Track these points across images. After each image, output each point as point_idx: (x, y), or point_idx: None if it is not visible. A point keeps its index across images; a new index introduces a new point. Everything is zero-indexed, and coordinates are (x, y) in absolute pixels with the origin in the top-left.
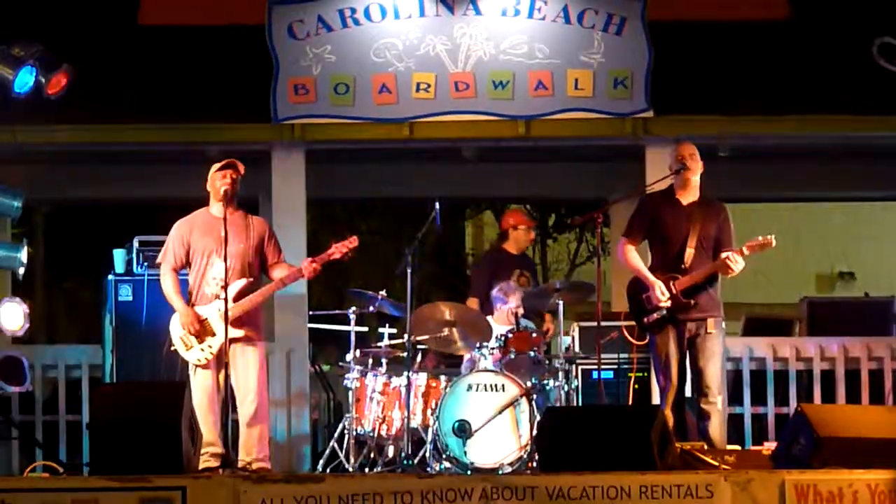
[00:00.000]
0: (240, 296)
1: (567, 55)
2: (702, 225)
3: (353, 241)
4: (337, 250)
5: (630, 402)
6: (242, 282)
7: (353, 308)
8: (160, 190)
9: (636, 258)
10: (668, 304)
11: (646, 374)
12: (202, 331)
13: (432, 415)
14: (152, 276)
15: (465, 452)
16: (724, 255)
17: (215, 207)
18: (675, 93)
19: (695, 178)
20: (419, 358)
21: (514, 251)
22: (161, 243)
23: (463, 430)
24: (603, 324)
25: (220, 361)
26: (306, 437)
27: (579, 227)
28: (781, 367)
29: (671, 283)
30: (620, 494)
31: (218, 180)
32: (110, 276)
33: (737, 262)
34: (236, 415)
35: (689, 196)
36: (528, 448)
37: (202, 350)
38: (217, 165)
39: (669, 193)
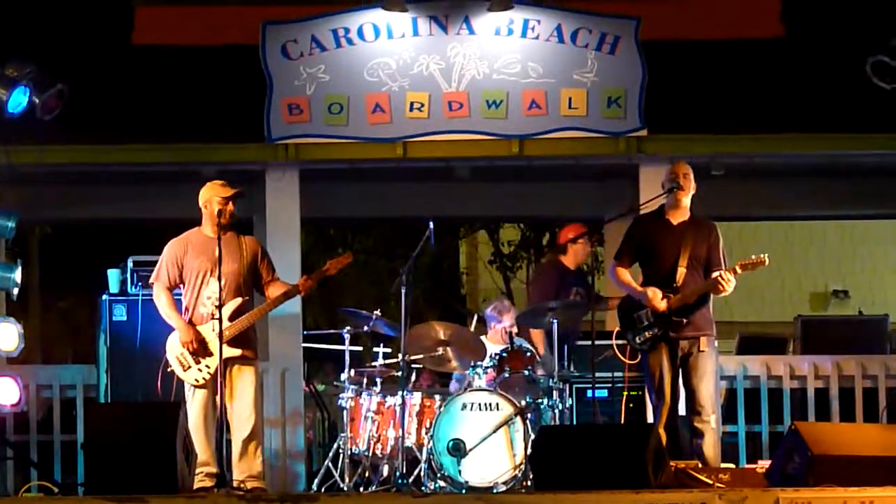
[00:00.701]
0: (235, 315)
1: (561, 74)
2: (693, 244)
3: (347, 258)
4: (332, 266)
5: (624, 421)
6: (237, 301)
7: (348, 327)
8: (154, 210)
9: (627, 276)
10: (659, 332)
11: (640, 393)
12: (200, 350)
13: (427, 434)
14: (146, 296)
15: (460, 471)
16: (715, 274)
17: (208, 227)
18: (669, 111)
19: (686, 199)
20: (414, 377)
21: (571, 266)
22: (155, 263)
23: (457, 449)
24: (597, 343)
25: (216, 381)
26: (301, 456)
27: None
28: (776, 385)
29: (665, 302)
30: None
31: (219, 205)
32: (105, 296)
33: (729, 282)
34: (230, 434)
35: (680, 216)
36: (523, 467)
37: (199, 370)
38: (218, 187)
39: (659, 214)
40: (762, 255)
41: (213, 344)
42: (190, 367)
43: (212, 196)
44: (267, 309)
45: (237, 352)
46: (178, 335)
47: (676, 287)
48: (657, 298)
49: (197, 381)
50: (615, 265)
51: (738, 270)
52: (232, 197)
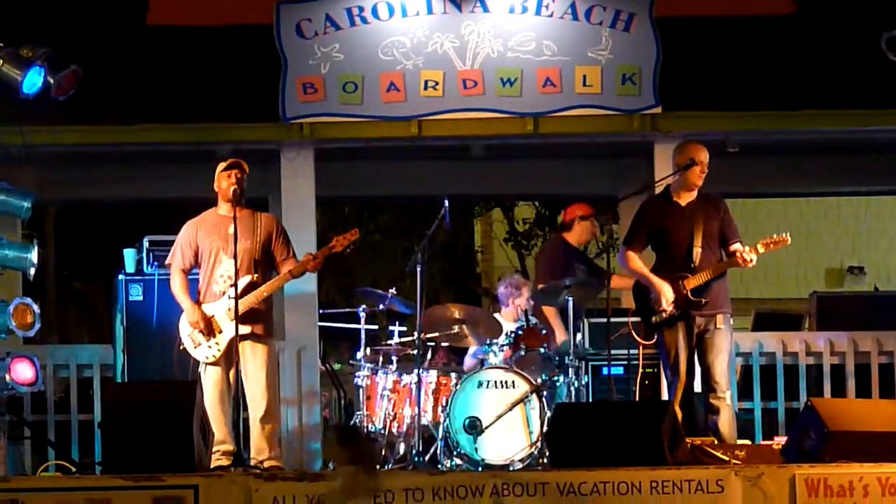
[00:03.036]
0: (245, 291)
1: (575, 52)
2: (704, 222)
3: (353, 234)
4: (338, 243)
5: (639, 398)
6: (248, 278)
7: (364, 306)
8: (170, 190)
9: (639, 264)
10: (675, 311)
11: (655, 370)
12: (209, 328)
13: (443, 412)
14: (163, 276)
15: (476, 449)
16: (735, 247)
17: (222, 207)
18: (684, 89)
19: (699, 182)
20: (429, 355)
21: (574, 244)
22: (171, 243)
23: (473, 427)
24: (612, 320)
25: (230, 359)
26: (317, 434)
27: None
28: (791, 361)
29: (680, 282)
30: (631, 490)
31: (224, 180)
32: (121, 276)
33: (751, 261)
34: (247, 413)
35: (688, 197)
36: (539, 444)
37: (210, 347)
38: (222, 165)
39: (667, 196)
40: (784, 234)
41: (223, 321)
42: (200, 344)
43: (217, 173)
44: (274, 286)
45: (247, 329)
46: (185, 316)
47: (695, 267)
48: (670, 296)
49: (208, 358)
50: (626, 250)
51: (761, 249)
52: (228, 168)
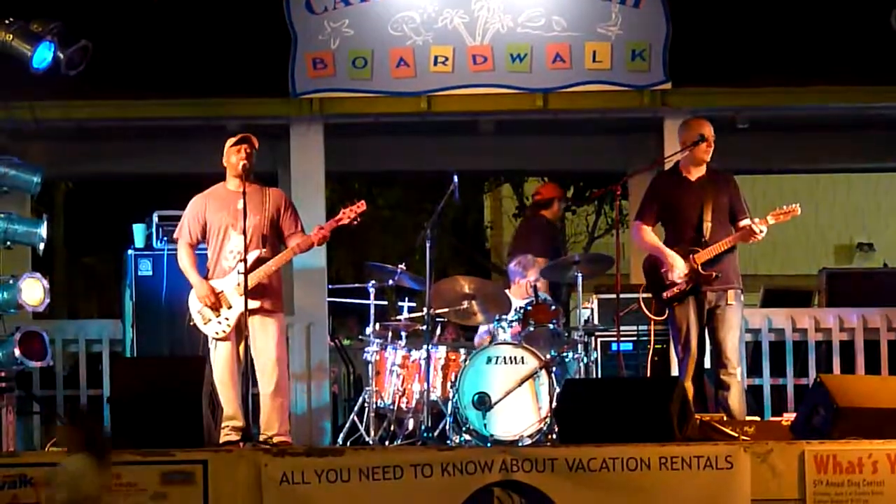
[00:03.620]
0: (254, 266)
1: (585, 27)
2: (714, 197)
3: (360, 206)
4: (345, 215)
5: (649, 374)
6: (256, 253)
7: (373, 282)
8: (179, 165)
9: (653, 237)
10: (686, 286)
11: (665, 346)
12: (218, 303)
13: (452, 387)
14: (172, 251)
15: (485, 425)
16: (745, 222)
17: (231, 182)
18: (694, 64)
19: (707, 157)
20: (439, 331)
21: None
22: (180, 218)
23: (482, 403)
24: (622, 296)
25: (240, 334)
26: (326, 410)
27: (598, 199)
28: (800, 338)
29: (691, 257)
30: (640, 466)
31: (233, 155)
32: (130, 251)
33: (761, 232)
34: (257, 389)
35: (697, 171)
36: (548, 420)
37: (219, 322)
38: (232, 140)
39: (676, 171)
40: (793, 206)
41: (232, 296)
42: (210, 320)
43: (226, 148)
44: (282, 260)
45: (256, 304)
46: (194, 291)
47: (705, 241)
48: (682, 269)
49: (217, 333)
50: (639, 225)
51: (771, 220)
52: (238, 142)
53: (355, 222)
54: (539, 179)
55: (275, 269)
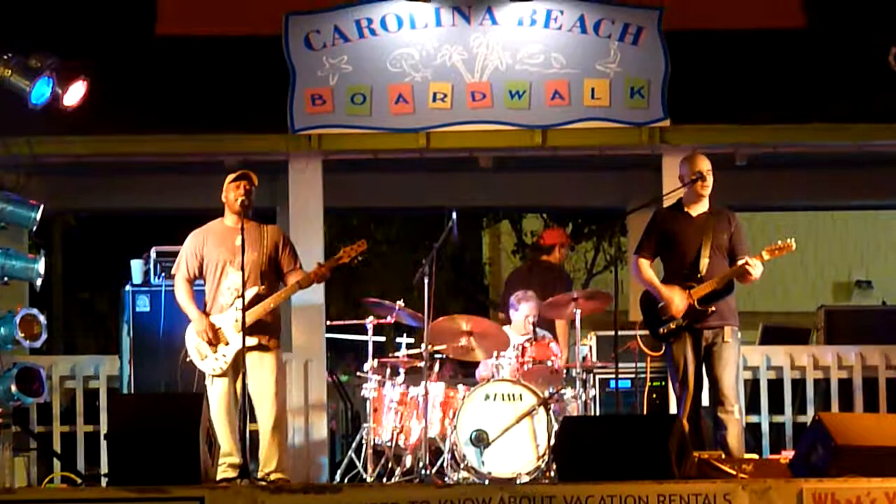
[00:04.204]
0: (252, 303)
1: (583, 65)
2: (714, 233)
3: (361, 246)
4: (346, 255)
5: (647, 412)
6: (255, 290)
7: (371, 318)
8: (178, 200)
9: (649, 272)
10: (683, 322)
11: (662, 384)
12: (216, 340)
13: (450, 424)
14: (170, 287)
15: (483, 462)
16: (742, 260)
17: (229, 218)
18: (692, 102)
19: (707, 192)
20: (436, 368)
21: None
22: (178, 253)
23: (480, 440)
24: (620, 333)
25: (237, 370)
26: (324, 447)
27: (596, 236)
28: (799, 375)
29: (688, 293)
30: (638, 503)
31: (232, 191)
32: (128, 287)
33: (756, 268)
34: (254, 425)
35: (699, 208)
36: (546, 457)
37: (216, 359)
38: (231, 176)
39: (678, 207)
40: (788, 241)
41: (230, 333)
42: (207, 356)
43: (226, 184)
44: (281, 297)
45: (254, 340)
46: (193, 325)
47: (701, 277)
48: (679, 306)
49: (214, 370)
50: (637, 259)
51: (766, 256)
52: (237, 179)
53: (356, 262)
54: (539, 216)
55: (273, 307)
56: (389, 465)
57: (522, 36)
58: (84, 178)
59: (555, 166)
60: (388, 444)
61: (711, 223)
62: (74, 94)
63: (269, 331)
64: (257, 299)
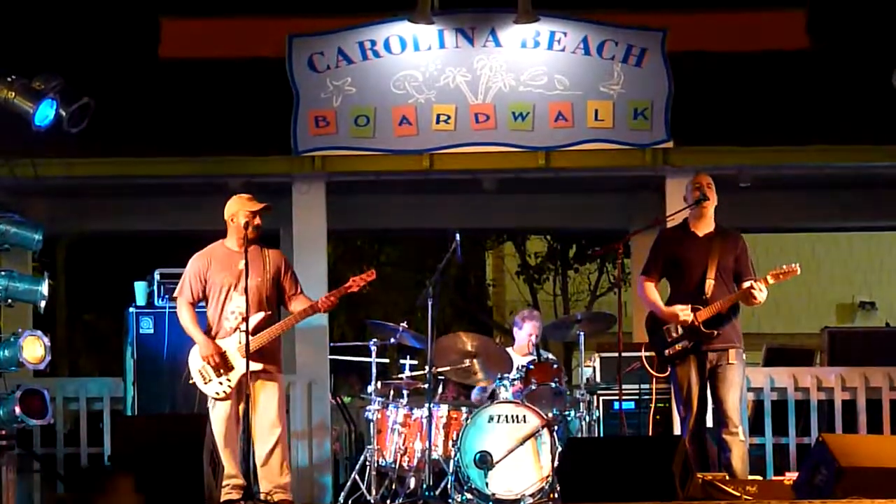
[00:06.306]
0: (257, 329)
1: (587, 86)
2: (720, 255)
3: (370, 275)
4: (354, 283)
5: (651, 433)
6: (260, 315)
7: (375, 339)
8: (181, 222)
9: (653, 293)
10: (689, 344)
11: (667, 405)
12: (222, 364)
13: (454, 446)
14: (173, 309)
15: (487, 484)
16: (747, 284)
17: (232, 241)
18: (696, 123)
19: (711, 210)
20: (440, 389)
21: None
22: (181, 276)
23: (484, 462)
24: (624, 354)
25: (240, 393)
26: (328, 468)
27: (600, 258)
28: (803, 396)
29: (693, 314)
30: None
31: (246, 218)
32: (131, 309)
33: (761, 291)
34: (257, 447)
35: (705, 227)
36: (550, 479)
37: (220, 384)
38: (245, 201)
39: (684, 227)
40: (794, 265)
41: (235, 358)
42: (211, 380)
43: (239, 210)
44: (288, 324)
45: (259, 366)
46: (198, 349)
47: (706, 299)
48: (684, 312)
49: (218, 394)
50: (643, 280)
51: (770, 280)
52: (260, 211)
53: (365, 290)
54: (542, 238)
55: (278, 334)
56: (393, 486)
57: (526, 58)
58: (88, 200)
59: (558, 188)
60: (392, 465)
61: (717, 244)
62: (78, 116)
63: (273, 356)
64: (262, 324)
